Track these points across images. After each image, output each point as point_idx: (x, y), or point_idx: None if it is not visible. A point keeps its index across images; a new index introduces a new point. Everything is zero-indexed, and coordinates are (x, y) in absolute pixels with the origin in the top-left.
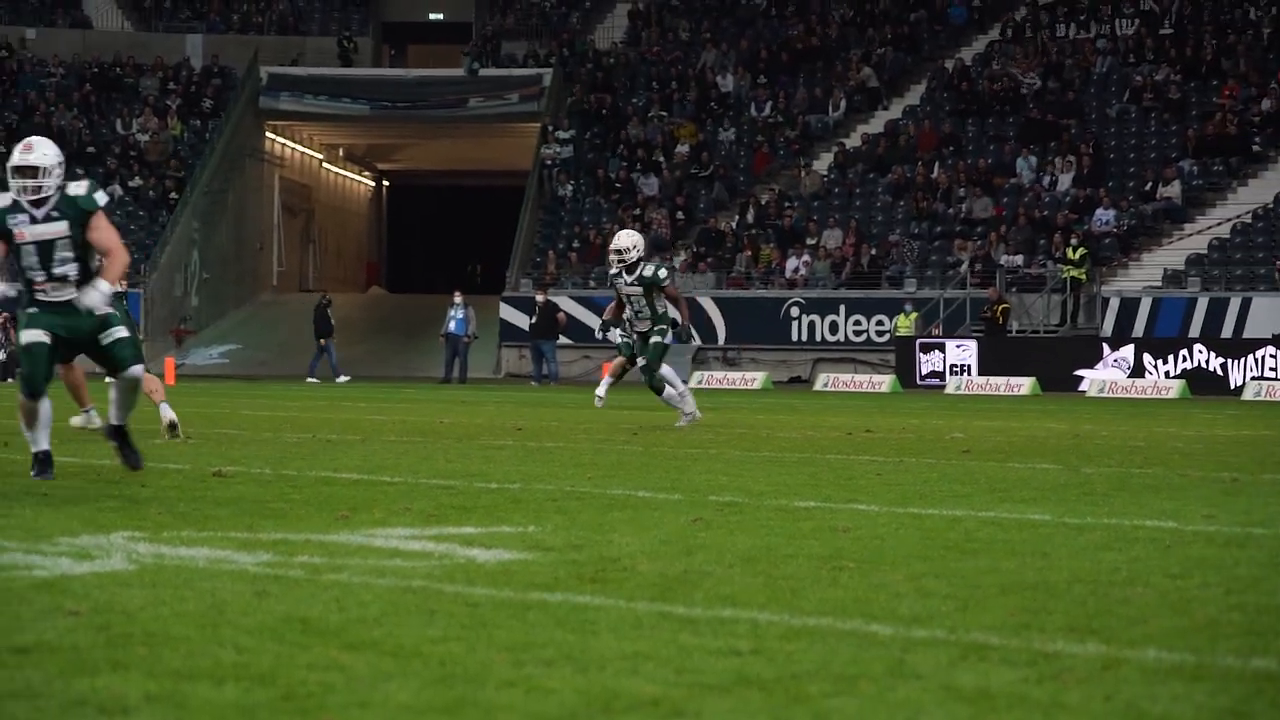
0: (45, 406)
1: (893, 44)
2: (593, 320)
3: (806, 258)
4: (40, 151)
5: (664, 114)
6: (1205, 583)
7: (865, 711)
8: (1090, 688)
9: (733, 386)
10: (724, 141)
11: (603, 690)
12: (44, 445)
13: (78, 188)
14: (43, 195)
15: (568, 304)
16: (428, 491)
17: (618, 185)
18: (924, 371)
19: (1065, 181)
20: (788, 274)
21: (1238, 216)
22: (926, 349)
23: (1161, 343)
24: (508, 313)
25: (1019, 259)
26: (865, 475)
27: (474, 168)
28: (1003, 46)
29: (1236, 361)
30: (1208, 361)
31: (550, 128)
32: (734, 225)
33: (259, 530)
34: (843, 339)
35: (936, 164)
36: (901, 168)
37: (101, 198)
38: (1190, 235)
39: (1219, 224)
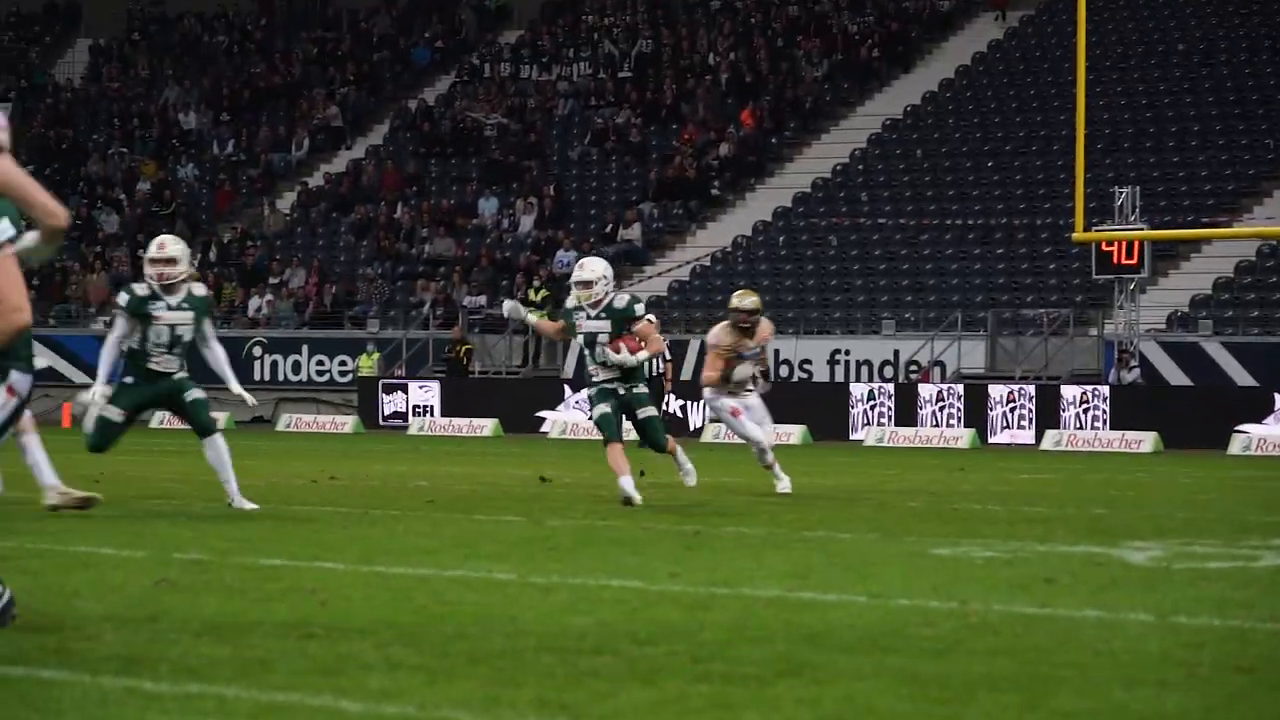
0: None
1: (356, 83)
2: (52, 358)
3: (270, 297)
4: None
5: (125, 150)
6: (673, 650)
7: None
8: None
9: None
10: (186, 179)
11: None
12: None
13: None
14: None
15: None
16: None
17: (78, 222)
18: (387, 412)
19: (527, 223)
20: (250, 313)
21: (697, 259)
22: (389, 389)
23: None
24: None
25: (481, 299)
26: (331, 528)
27: None
28: (464, 87)
29: (696, 404)
30: (668, 403)
31: None
32: (196, 263)
33: None
34: (305, 379)
35: (400, 204)
36: (365, 207)
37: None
38: (651, 277)
39: (678, 266)
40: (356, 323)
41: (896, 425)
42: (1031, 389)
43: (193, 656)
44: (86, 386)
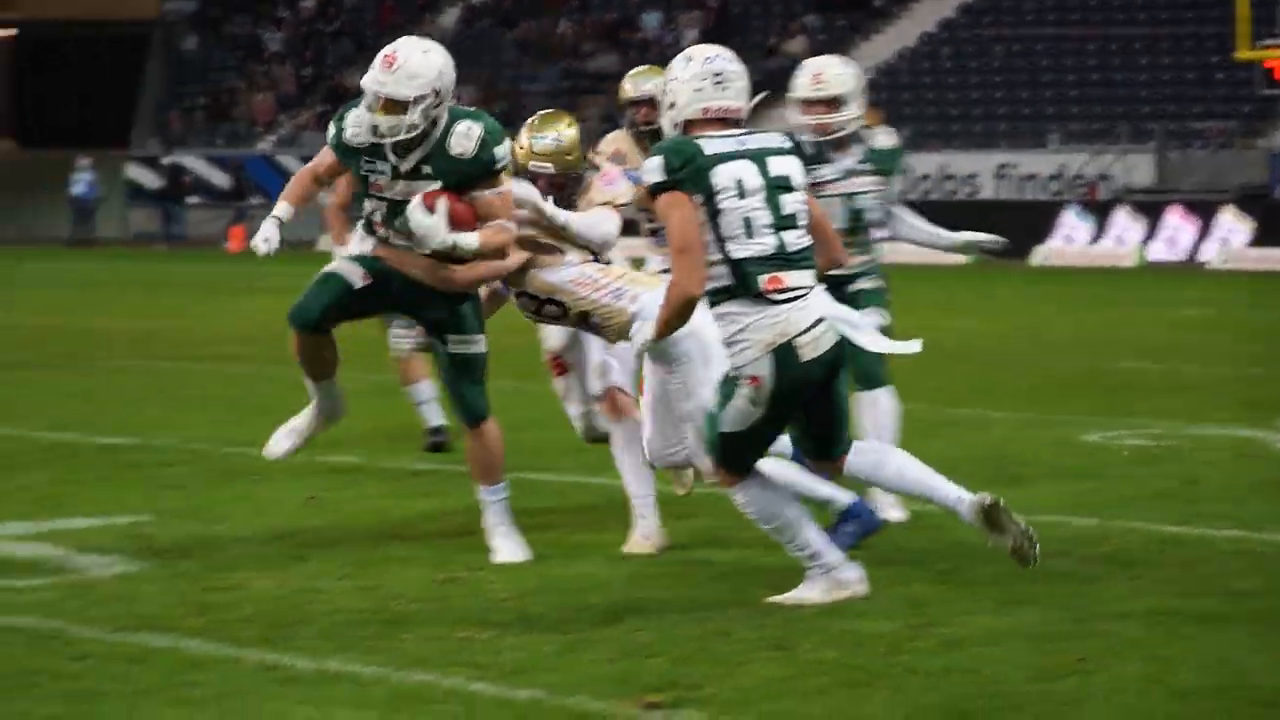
0: None
1: None
2: (222, 179)
3: None
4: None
5: None
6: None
7: None
8: None
9: None
10: None
11: None
12: None
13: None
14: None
15: (196, 164)
16: (42, 453)
17: (243, 40)
18: None
19: (691, 36)
20: None
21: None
22: None
23: None
24: (135, 172)
25: None
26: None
27: (102, 17)
28: None
29: None
30: None
31: None
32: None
33: None
34: None
35: (563, 18)
36: (529, 21)
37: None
38: None
39: None
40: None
41: (1063, 244)
42: (1198, 204)
43: (334, 614)
44: (261, 209)
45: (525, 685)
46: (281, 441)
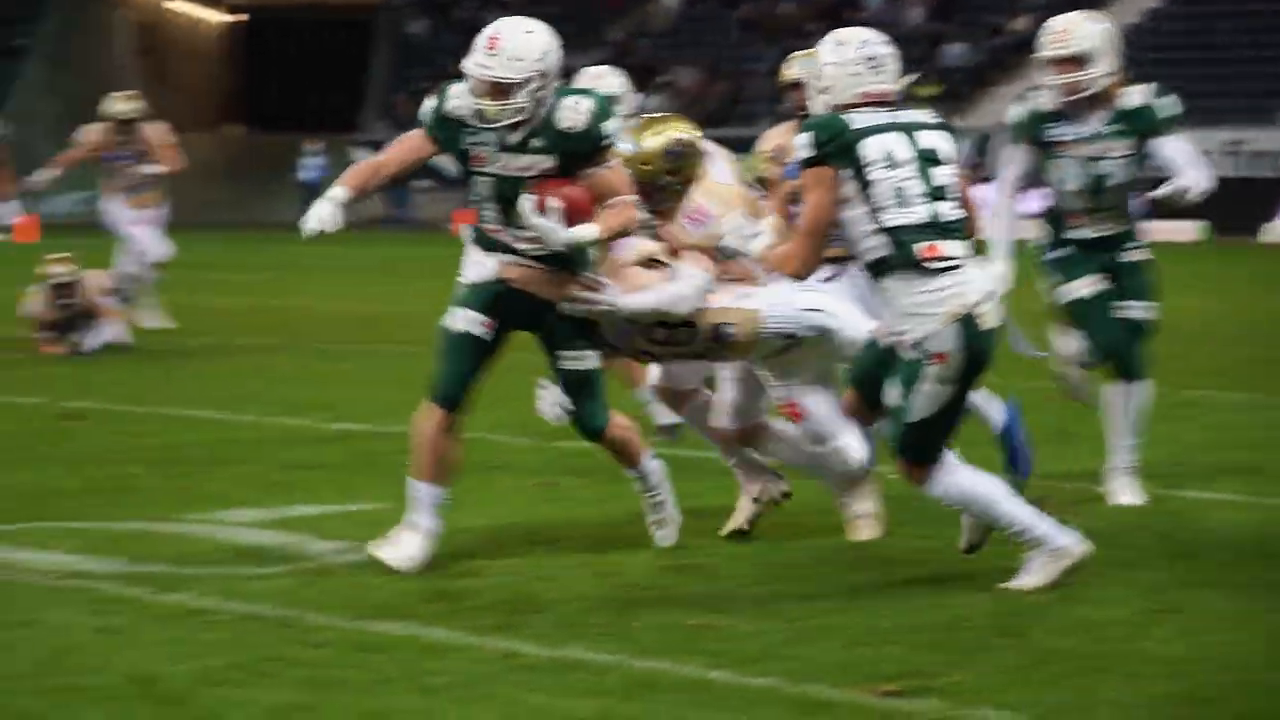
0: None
1: None
2: (449, 163)
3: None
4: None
5: None
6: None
7: None
8: None
9: None
10: None
11: None
12: None
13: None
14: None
15: None
16: (278, 440)
17: (469, 24)
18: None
19: (916, 15)
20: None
21: None
22: None
23: None
24: (363, 156)
25: None
26: None
27: (329, 1)
28: None
29: None
30: None
31: None
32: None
33: (101, 515)
34: None
35: None
36: (752, 2)
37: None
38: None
39: None
40: (745, 120)
41: None
42: None
43: (569, 602)
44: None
45: (760, 673)
46: (386, 548)
